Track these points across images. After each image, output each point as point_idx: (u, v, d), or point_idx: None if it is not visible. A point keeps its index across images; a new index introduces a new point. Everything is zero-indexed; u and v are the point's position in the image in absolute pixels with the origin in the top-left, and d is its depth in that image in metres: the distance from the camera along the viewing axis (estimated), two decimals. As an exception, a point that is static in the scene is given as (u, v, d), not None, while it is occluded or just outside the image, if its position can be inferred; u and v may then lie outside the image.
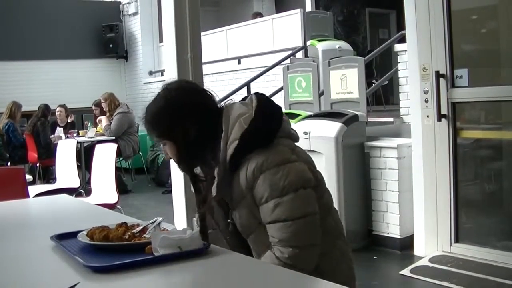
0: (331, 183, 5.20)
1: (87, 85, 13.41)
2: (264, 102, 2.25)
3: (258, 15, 12.53)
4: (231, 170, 2.14)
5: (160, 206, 8.43)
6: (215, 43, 11.99)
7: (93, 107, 10.99)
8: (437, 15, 5.05)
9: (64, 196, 3.37)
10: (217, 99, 2.35)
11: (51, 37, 13.17)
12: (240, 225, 2.19)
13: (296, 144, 2.30)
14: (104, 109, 10.25)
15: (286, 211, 2.05)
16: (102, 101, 10.31)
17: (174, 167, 4.67)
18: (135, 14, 14.25)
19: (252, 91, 8.32)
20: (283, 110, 2.32)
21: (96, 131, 10.14)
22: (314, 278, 1.74)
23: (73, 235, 2.03)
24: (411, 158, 5.45)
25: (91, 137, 9.89)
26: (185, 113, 2.23)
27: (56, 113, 11.13)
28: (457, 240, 5.14)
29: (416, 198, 5.38)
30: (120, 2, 14.62)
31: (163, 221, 2.11)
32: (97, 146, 6.54)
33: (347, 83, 6.75)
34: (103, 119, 9.98)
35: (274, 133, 2.18)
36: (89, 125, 10.71)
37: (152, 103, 2.30)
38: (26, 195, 4.40)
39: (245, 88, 8.94)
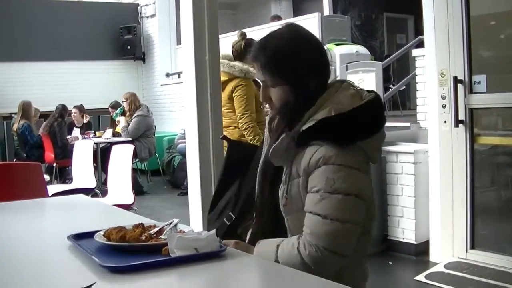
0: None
1: (104, 87, 13.47)
2: (370, 107, 2.10)
3: (277, 18, 12.51)
4: (296, 145, 2.07)
5: (176, 208, 8.45)
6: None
7: (110, 109, 11.03)
8: (455, 20, 5.03)
9: (81, 196, 3.38)
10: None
11: (69, 38, 13.22)
12: (285, 201, 2.10)
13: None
14: (125, 108, 10.30)
15: (329, 209, 1.95)
16: (123, 100, 10.36)
17: (190, 169, 4.68)
18: (153, 16, 14.29)
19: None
20: None
21: (116, 131, 10.21)
22: (333, 282, 1.72)
23: (90, 235, 2.03)
24: (427, 164, 5.42)
25: (107, 138, 9.93)
26: (312, 63, 2.16)
27: (72, 114, 11.19)
28: (472, 246, 5.12)
29: (432, 204, 5.36)
30: (138, 4, 14.66)
31: (179, 223, 2.11)
32: (114, 147, 6.57)
33: (364, 87, 6.72)
34: (122, 120, 10.02)
35: (357, 138, 2.06)
36: (114, 118, 10.65)
37: (278, 39, 2.18)
38: (45, 193, 4.42)
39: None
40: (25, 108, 10.39)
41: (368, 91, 2.20)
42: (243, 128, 5.21)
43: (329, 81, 2.22)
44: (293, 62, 2.14)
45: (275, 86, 2.17)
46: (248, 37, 5.36)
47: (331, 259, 1.96)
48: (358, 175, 2.02)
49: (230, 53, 5.36)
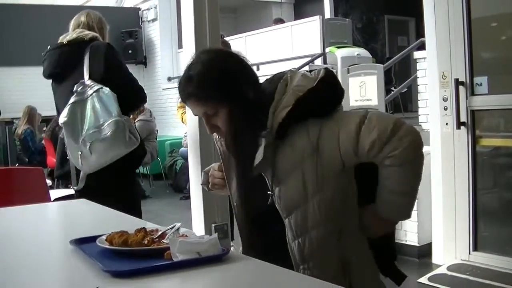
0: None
1: (106, 91, 13.44)
2: (330, 77, 2.12)
3: (280, 21, 12.50)
4: (278, 137, 2.04)
5: (178, 212, 8.44)
6: (234, 49, 11.98)
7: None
8: (457, 22, 5.03)
9: (83, 200, 3.38)
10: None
11: (71, 43, 13.21)
12: (285, 200, 2.05)
13: None
14: None
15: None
16: None
17: (192, 173, 4.67)
18: (154, 20, 14.31)
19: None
20: None
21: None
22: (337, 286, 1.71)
23: (92, 239, 2.03)
24: (429, 166, 5.41)
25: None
26: (238, 75, 2.13)
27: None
28: (475, 248, 5.11)
29: (435, 206, 5.36)
30: (139, 8, 14.68)
31: (181, 227, 2.11)
32: (116, 152, 6.55)
33: (366, 90, 6.74)
34: (124, 124, 10.01)
35: (338, 102, 2.13)
36: None
37: (199, 69, 2.10)
38: (47, 198, 4.41)
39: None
40: (31, 113, 10.40)
41: (311, 70, 2.22)
42: None
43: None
44: (223, 77, 2.10)
45: (219, 110, 2.11)
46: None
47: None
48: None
49: None
